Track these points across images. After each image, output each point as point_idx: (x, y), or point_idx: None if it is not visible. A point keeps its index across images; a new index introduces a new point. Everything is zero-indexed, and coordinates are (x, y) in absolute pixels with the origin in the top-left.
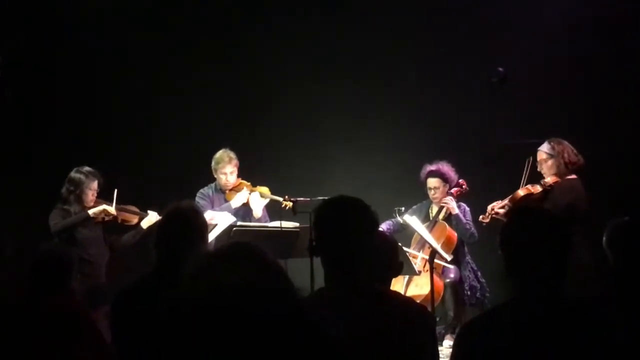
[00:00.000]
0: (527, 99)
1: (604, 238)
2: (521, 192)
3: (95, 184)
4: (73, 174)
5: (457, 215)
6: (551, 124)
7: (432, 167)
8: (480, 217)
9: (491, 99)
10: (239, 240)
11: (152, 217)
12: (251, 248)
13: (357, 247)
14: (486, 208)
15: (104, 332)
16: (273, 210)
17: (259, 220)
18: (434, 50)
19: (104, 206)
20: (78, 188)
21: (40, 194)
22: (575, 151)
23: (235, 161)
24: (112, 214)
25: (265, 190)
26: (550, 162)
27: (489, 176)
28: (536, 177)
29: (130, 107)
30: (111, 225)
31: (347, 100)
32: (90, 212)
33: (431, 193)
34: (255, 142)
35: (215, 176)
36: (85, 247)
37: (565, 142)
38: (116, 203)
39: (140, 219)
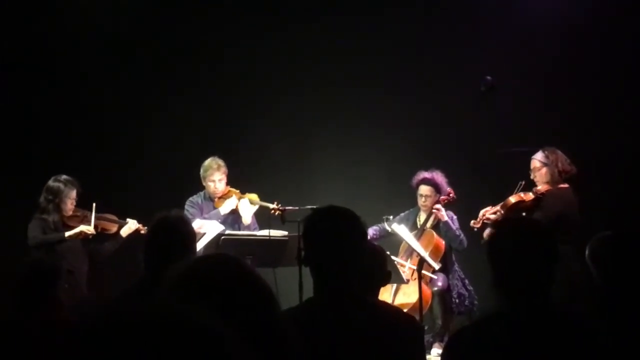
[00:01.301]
0: (516, 107)
1: (587, 252)
2: (513, 199)
3: (74, 193)
4: (51, 183)
5: (446, 222)
6: (541, 133)
7: (427, 175)
8: (472, 222)
9: (480, 107)
10: (227, 258)
11: (131, 225)
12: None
13: (346, 257)
14: (475, 216)
15: None
16: (262, 217)
17: (248, 227)
18: (423, 58)
19: (80, 228)
20: (57, 197)
21: (26, 199)
22: (568, 160)
23: (223, 169)
24: (91, 234)
25: (254, 197)
26: (543, 170)
27: (479, 185)
28: (528, 188)
29: (118, 115)
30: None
31: (337, 109)
32: (67, 234)
33: (421, 200)
34: (244, 150)
35: (204, 184)
36: (65, 257)
37: (559, 151)
38: (95, 212)
39: (120, 228)
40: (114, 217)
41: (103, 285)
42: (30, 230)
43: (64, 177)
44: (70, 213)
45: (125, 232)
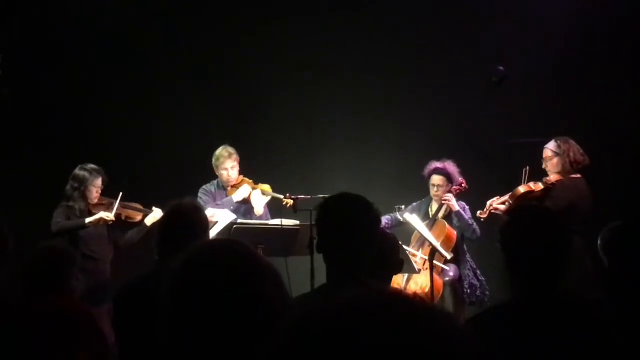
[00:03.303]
0: (528, 97)
1: (599, 242)
2: (522, 189)
3: (99, 182)
4: (77, 172)
5: (458, 212)
6: (551, 124)
7: (439, 165)
8: (479, 212)
9: (491, 97)
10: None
11: (156, 214)
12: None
13: (360, 244)
14: (484, 206)
15: (107, 328)
16: (274, 208)
17: (260, 218)
18: (434, 48)
19: (101, 214)
20: (82, 185)
21: (41, 192)
22: (581, 151)
23: (235, 156)
24: (111, 221)
25: (267, 188)
26: (555, 160)
27: (488, 176)
28: (535, 177)
29: (132, 105)
30: (115, 223)
31: (348, 99)
32: (87, 221)
33: (434, 190)
34: (256, 140)
35: (217, 173)
36: (88, 244)
37: (572, 142)
38: (120, 200)
39: (145, 217)
40: (139, 206)
41: (127, 273)
42: (55, 217)
43: (90, 165)
44: (96, 201)
45: (149, 220)
